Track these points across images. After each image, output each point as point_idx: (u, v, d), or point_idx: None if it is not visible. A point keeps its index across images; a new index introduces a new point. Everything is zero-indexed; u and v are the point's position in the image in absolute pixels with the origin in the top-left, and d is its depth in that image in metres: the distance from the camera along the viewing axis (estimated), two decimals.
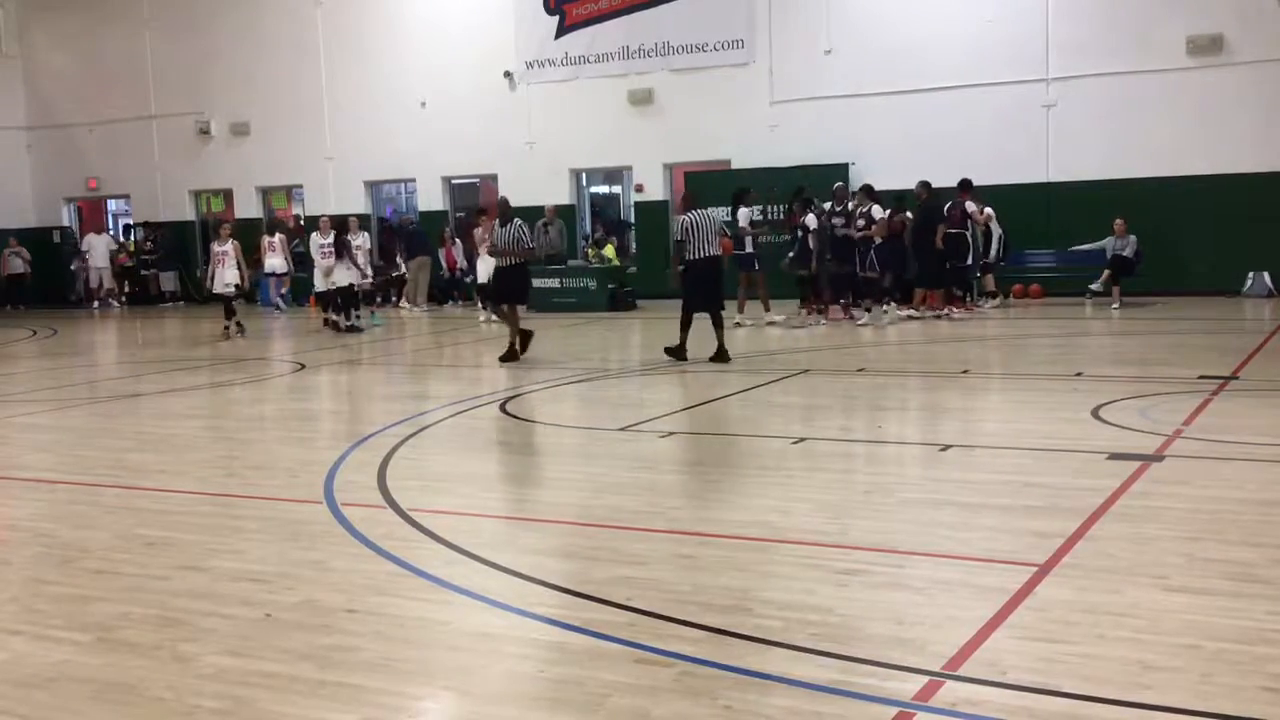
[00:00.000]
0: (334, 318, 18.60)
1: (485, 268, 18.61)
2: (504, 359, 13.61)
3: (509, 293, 14.08)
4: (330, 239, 18.69)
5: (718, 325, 12.84)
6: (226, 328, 18.08)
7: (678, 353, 13.02)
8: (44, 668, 4.50)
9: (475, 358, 15.28)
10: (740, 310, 16.88)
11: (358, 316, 18.72)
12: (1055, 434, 8.48)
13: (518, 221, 13.89)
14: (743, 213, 16.98)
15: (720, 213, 15.92)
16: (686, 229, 12.83)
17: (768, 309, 17.03)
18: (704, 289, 12.93)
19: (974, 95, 20.15)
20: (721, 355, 12.77)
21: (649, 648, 4.41)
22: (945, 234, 17.69)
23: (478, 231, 18.86)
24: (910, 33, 20.52)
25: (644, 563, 5.57)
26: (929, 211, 17.54)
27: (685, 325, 13.11)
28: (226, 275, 18.35)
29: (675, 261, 13.97)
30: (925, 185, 17.79)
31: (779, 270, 17.50)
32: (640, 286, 21.85)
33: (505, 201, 14.48)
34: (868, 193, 17.22)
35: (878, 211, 16.81)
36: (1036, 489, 6.72)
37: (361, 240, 19.68)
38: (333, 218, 19.94)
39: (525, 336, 13.84)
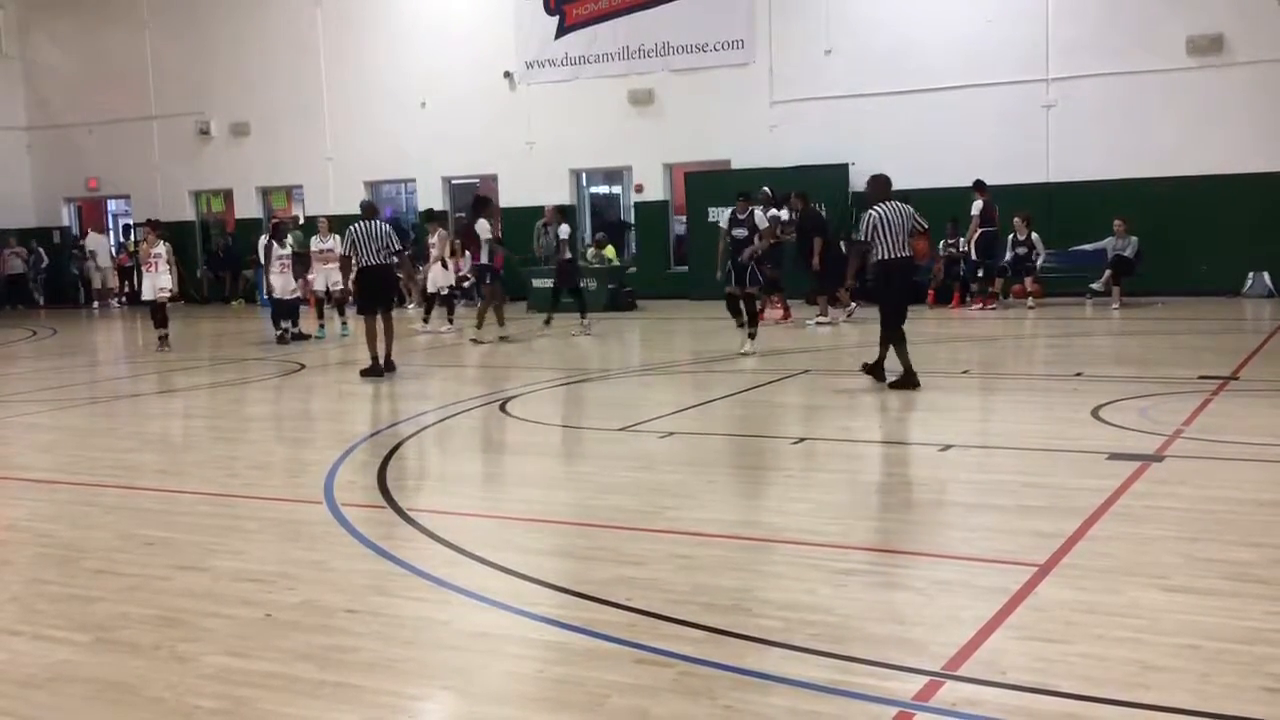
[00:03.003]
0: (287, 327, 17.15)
1: (434, 274, 17.88)
2: (366, 373, 12.76)
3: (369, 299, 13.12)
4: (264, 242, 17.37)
5: (899, 340, 10.77)
6: (162, 338, 16.47)
7: (907, 380, 10.58)
8: (43, 668, 4.50)
9: (474, 359, 15.27)
10: (479, 325, 16.23)
11: (299, 327, 17.26)
12: (1055, 434, 8.48)
13: (350, 228, 13.06)
14: (482, 224, 16.18)
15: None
16: (874, 225, 10.59)
17: (501, 323, 16.25)
18: (900, 293, 10.81)
19: (974, 95, 20.15)
20: (910, 379, 10.58)
21: (649, 648, 4.41)
22: (982, 233, 18.02)
23: (430, 239, 18.24)
24: (910, 33, 20.53)
25: (644, 563, 5.57)
26: (807, 223, 17.50)
27: (897, 340, 10.69)
28: (159, 280, 16.53)
29: (853, 267, 11.53)
30: (802, 196, 17.85)
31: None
32: (640, 286, 21.85)
33: (366, 204, 14.04)
34: (748, 197, 14.62)
35: (761, 218, 14.08)
36: (1036, 489, 6.72)
37: (331, 244, 17.61)
38: (278, 220, 18.86)
39: (385, 359, 12.89)
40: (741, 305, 13.75)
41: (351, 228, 13.03)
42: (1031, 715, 3.74)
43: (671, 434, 9.05)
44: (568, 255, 17.22)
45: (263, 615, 4.98)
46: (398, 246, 13.23)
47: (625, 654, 4.38)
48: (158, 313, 16.52)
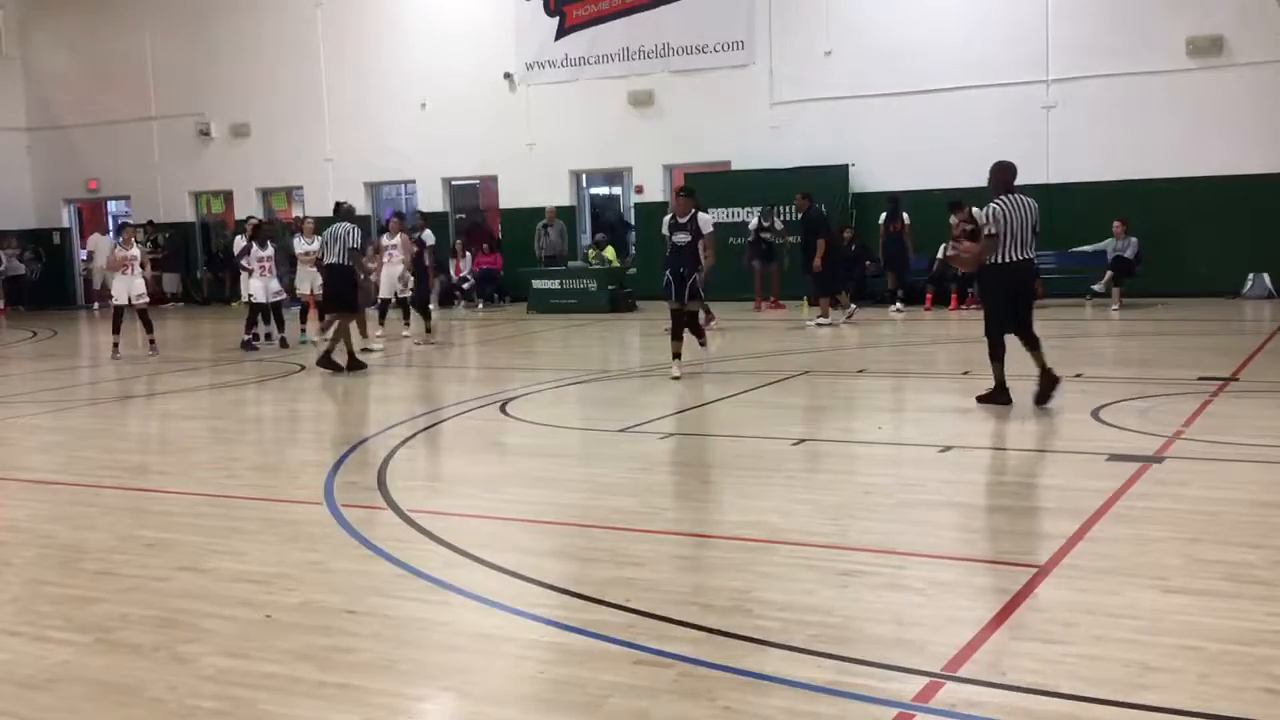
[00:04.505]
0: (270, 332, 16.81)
1: (388, 277, 16.74)
2: (350, 368, 13.24)
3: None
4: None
5: (1034, 348, 9.48)
6: (152, 341, 16.14)
7: (997, 396, 9.52)
8: (44, 668, 4.50)
9: (475, 359, 15.29)
10: (365, 336, 15.52)
11: (258, 336, 16.68)
12: (1055, 435, 8.49)
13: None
14: (343, 229, 15.04)
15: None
16: (997, 219, 9.27)
17: (364, 334, 15.50)
18: (1014, 302, 9.45)
19: (974, 96, 20.15)
20: (1047, 387, 9.33)
21: (648, 649, 4.41)
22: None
23: (390, 239, 17.20)
24: (910, 34, 20.53)
25: (643, 564, 5.57)
26: (810, 223, 17.43)
27: (997, 354, 9.48)
28: (135, 286, 16.03)
29: (977, 256, 9.62)
30: (806, 196, 17.68)
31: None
32: (640, 287, 21.85)
33: (340, 206, 14.37)
34: (691, 196, 12.37)
35: (706, 222, 11.96)
36: (1036, 490, 6.72)
37: (315, 245, 16.26)
38: (260, 221, 18.47)
39: (348, 359, 13.31)
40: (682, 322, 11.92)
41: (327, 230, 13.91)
42: (1031, 716, 3.74)
43: (671, 435, 9.05)
44: (427, 263, 16.56)
45: (263, 616, 4.98)
46: (353, 244, 13.50)
47: (625, 655, 4.38)
48: (143, 316, 16.13)
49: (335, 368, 13.23)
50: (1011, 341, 9.43)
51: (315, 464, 8.39)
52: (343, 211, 14.18)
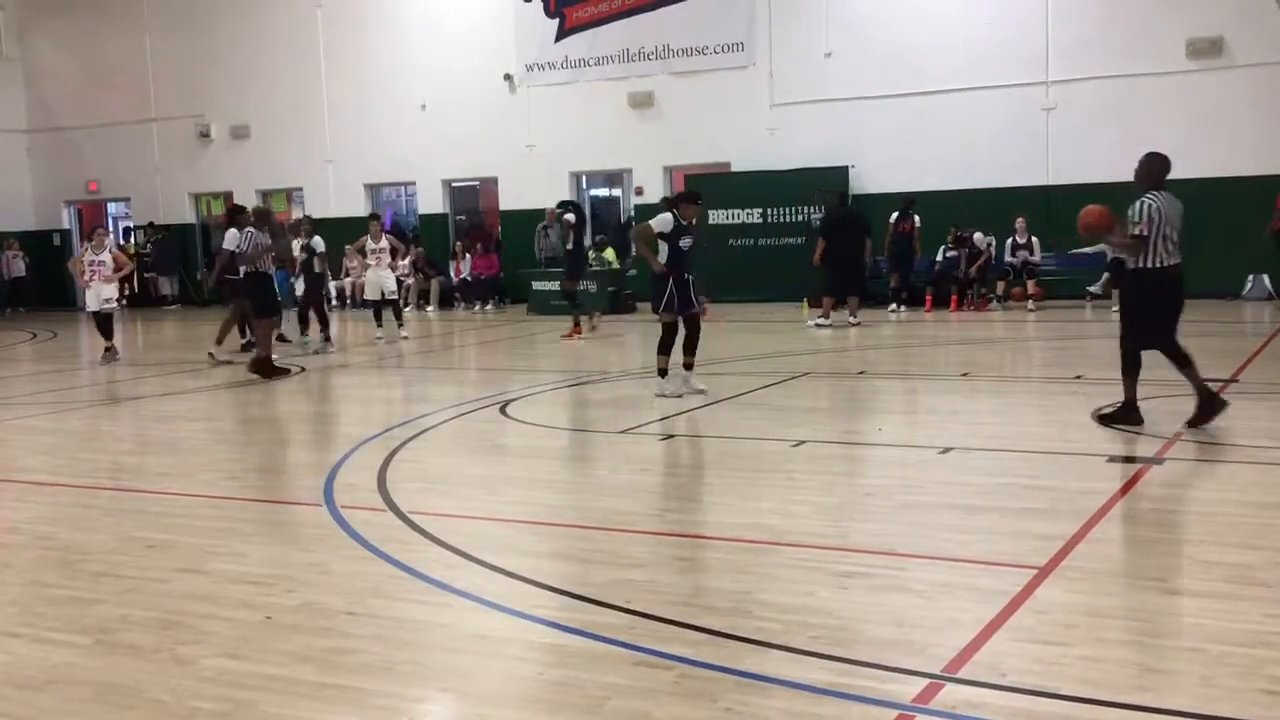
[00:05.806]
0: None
1: (374, 278, 16.76)
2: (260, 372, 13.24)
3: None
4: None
5: (1187, 364, 8.43)
6: (109, 349, 15.71)
7: (1127, 414, 8.38)
8: (44, 670, 4.50)
9: (475, 360, 15.28)
10: (219, 343, 15.34)
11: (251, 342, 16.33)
12: (1055, 437, 8.48)
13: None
14: (231, 234, 14.59)
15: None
16: (1151, 217, 8.32)
17: (220, 341, 15.38)
18: (1166, 313, 8.57)
19: (974, 98, 20.17)
20: (1210, 406, 8.18)
21: (648, 650, 4.41)
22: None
23: (365, 240, 17.07)
24: (910, 36, 20.55)
25: (643, 565, 5.57)
26: (829, 223, 17.37)
27: (1131, 369, 8.47)
28: (105, 290, 15.61)
29: (1123, 243, 8.65)
30: (840, 196, 17.60)
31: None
32: (640, 289, 21.83)
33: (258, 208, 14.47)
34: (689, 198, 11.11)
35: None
36: (1036, 492, 6.72)
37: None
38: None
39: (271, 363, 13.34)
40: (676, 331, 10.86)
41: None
42: (1031, 717, 3.74)
43: (672, 436, 9.05)
44: (318, 270, 16.25)
45: (263, 618, 4.98)
46: (261, 241, 13.58)
47: (625, 656, 4.38)
48: (104, 323, 15.78)
49: (284, 371, 13.38)
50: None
51: (315, 465, 8.39)
52: (256, 214, 14.08)
